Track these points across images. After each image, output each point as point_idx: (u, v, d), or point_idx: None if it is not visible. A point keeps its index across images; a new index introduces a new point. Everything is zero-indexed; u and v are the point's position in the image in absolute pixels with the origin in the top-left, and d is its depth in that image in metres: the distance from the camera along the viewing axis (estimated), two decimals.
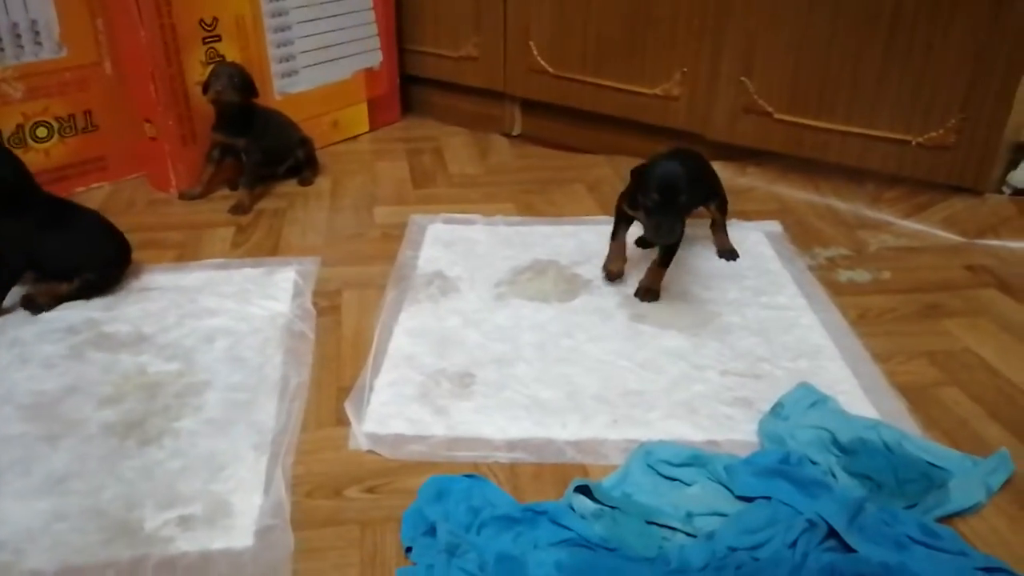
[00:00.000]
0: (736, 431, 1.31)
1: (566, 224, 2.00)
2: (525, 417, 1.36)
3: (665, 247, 1.64)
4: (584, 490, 1.16)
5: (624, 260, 1.74)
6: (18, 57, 2.04)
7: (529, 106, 2.59)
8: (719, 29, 2.11)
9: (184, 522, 1.16)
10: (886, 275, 1.78)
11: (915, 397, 1.39)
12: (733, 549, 1.06)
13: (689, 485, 1.18)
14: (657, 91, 2.28)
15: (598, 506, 1.14)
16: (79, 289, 1.69)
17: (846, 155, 2.06)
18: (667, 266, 1.66)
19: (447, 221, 2.05)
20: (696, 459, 1.21)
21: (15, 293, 1.67)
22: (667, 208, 1.50)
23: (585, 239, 1.90)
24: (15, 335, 1.58)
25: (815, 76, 2.03)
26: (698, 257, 1.83)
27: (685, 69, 2.21)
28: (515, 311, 1.66)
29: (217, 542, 1.13)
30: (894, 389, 1.41)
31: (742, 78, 2.12)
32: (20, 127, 2.09)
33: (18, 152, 1.99)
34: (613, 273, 1.73)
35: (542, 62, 2.45)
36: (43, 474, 1.24)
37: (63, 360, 1.51)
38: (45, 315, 1.64)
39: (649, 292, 1.67)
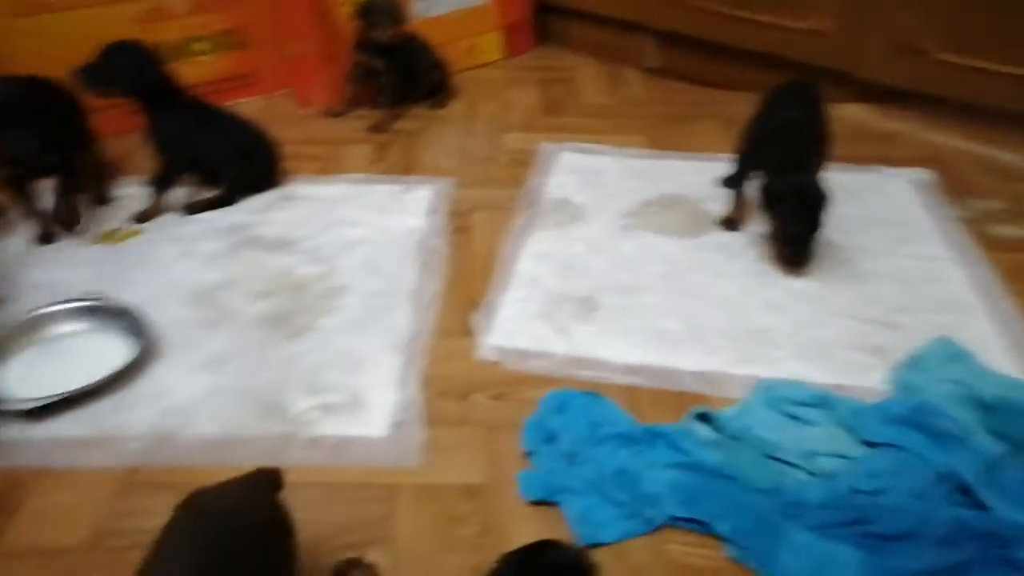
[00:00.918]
0: (865, 378, 1.29)
1: (697, 160, 1.97)
2: (646, 344, 1.39)
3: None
4: (703, 418, 1.18)
5: (745, 207, 1.70)
6: None
7: (665, 38, 2.53)
8: None
9: (326, 408, 1.27)
10: None
11: None
12: (855, 491, 1.06)
13: (811, 425, 1.18)
14: (804, 25, 2.17)
15: (716, 435, 1.16)
16: (231, 190, 1.82)
17: (1016, 101, 1.90)
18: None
19: (577, 150, 2.06)
20: (821, 400, 1.21)
21: (175, 193, 1.81)
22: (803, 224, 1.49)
23: (716, 176, 1.88)
24: (178, 232, 1.73)
25: (983, 11, 1.87)
26: (834, 200, 1.77)
27: (838, 3, 2.09)
28: (641, 242, 1.67)
29: (354, 429, 1.23)
30: None
31: (898, 12, 1.99)
32: (182, 41, 2.22)
33: (178, 64, 2.13)
34: (733, 222, 1.70)
35: None
36: (205, 354, 1.38)
37: (220, 257, 1.64)
38: (203, 216, 1.78)
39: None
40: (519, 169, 1.99)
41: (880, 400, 1.22)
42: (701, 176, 1.89)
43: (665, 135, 2.14)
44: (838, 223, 1.66)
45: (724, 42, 2.35)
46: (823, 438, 1.15)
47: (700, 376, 1.32)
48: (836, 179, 1.77)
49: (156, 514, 1.08)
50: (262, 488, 0.92)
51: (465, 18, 2.56)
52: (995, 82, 1.91)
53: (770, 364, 1.33)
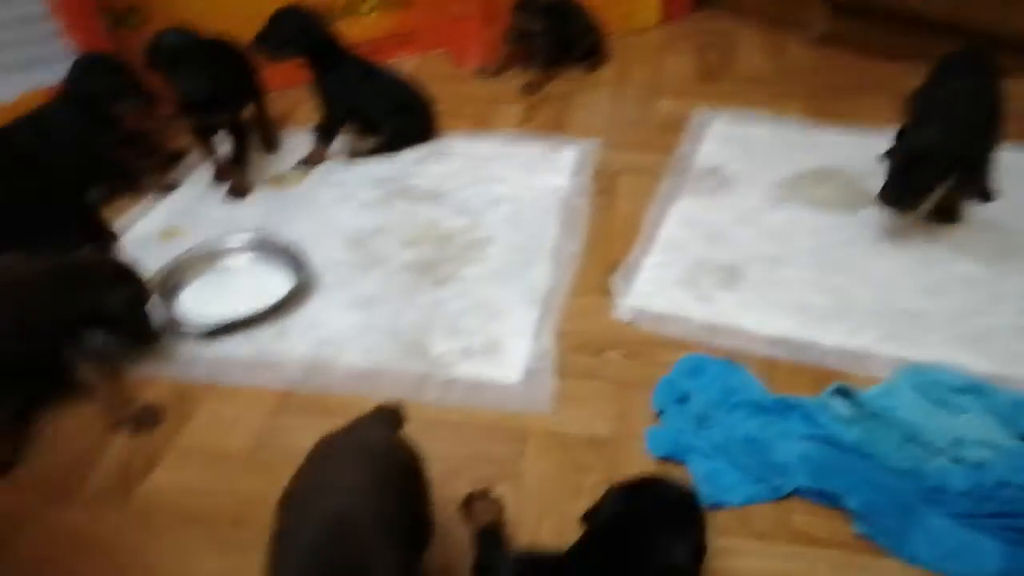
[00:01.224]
0: None
1: (860, 133, 1.87)
2: (789, 317, 1.35)
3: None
4: (843, 394, 1.14)
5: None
6: None
7: (839, 6, 2.40)
8: None
9: (465, 352, 1.33)
10: None
11: None
12: (1004, 484, 1.00)
13: (962, 412, 1.12)
14: None
15: (855, 412, 1.12)
16: (390, 141, 1.91)
17: None
18: (961, 191, 1.51)
19: (731, 118, 2.00)
20: (976, 388, 1.14)
21: (337, 141, 1.92)
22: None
23: (879, 151, 1.77)
24: (339, 178, 1.83)
25: None
26: (1011, 180, 1.64)
27: None
28: (792, 214, 1.62)
29: (490, 373, 1.28)
30: None
31: None
32: (350, 0, 2.33)
33: (345, 22, 2.24)
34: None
35: None
36: (357, 294, 1.47)
37: (375, 204, 1.73)
38: (361, 164, 1.88)
39: (945, 213, 1.54)
40: (669, 135, 1.96)
41: None
42: (862, 150, 1.79)
43: (826, 106, 2.04)
44: (1011, 206, 1.54)
45: (900, 9, 2.20)
46: (974, 427, 1.09)
47: (843, 353, 1.27)
48: (1011, 159, 1.64)
49: (305, 433, 1.18)
50: (387, 425, 0.97)
51: None
52: None
53: (922, 347, 1.26)
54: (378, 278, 1.51)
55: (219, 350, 1.35)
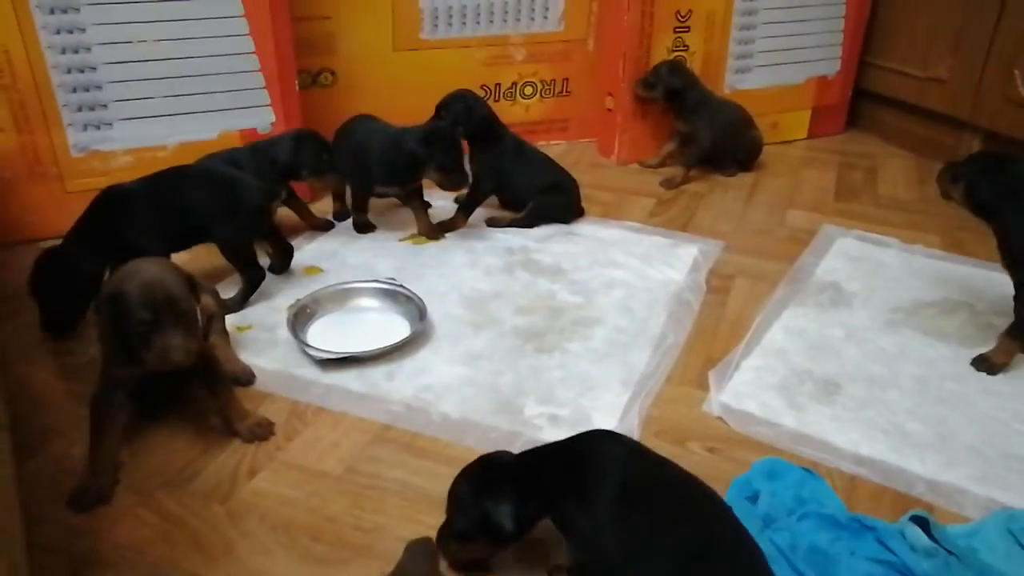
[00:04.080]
0: None
1: (996, 271, 1.81)
2: (882, 440, 1.33)
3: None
4: (922, 524, 1.12)
5: None
6: (528, 27, 2.48)
7: (993, 139, 2.36)
8: None
9: (553, 419, 1.39)
10: None
11: None
12: None
13: None
14: None
15: (933, 545, 1.09)
16: (532, 216, 2.05)
17: None
18: (1013, 339, 1.48)
19: (860, 238, 2.01)
20: None
21: (480, 212, 2.08)
22: None
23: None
24: (471, 244, 1.98)
25: None
26: None
27: None
28: (904, 340, 1.60)
29: None
30: None
31: None
32: (514, 84, 2.54)
33: (506, 104, 2.44)
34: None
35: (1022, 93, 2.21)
36: (465, 349, 1.58)
37: (498, 272, 1.86)
38: (493, 234, 2.02)
39: (984, 362, 1.49)
40: (794, 246, 1.99)
41: None
42: (995, 286, 1.75)
43: (964, 240, 2.00)
44: None
45: None
46: None
47: (934, 485, 1.24)
48: None
49: (394, 466, 1.29)
50: (425, 560, 1.05)
51: (777, 94, 2.61)
52: None
53: (1021, 494, 1.21)
54: (487, 338, 1.61)
55: (334, 379, 1.49)
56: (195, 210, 1.63)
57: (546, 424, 1.38)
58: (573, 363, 1.54)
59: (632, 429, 1.37)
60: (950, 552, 1.08)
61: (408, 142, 1.88)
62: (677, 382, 1.50)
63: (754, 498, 1.18)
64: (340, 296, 1.70)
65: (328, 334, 1.60)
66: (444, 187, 1.93)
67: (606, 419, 1.39)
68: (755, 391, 1.46)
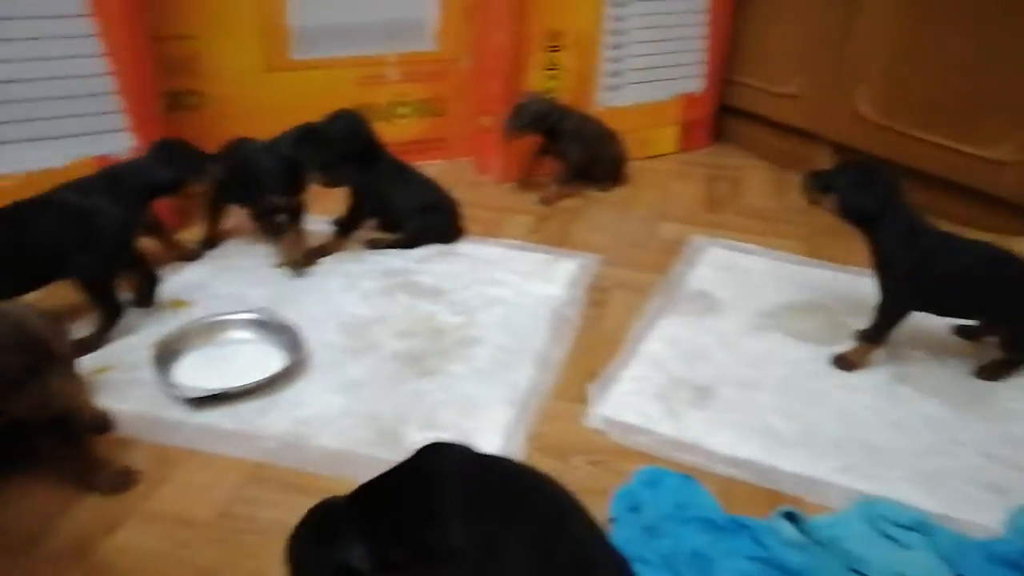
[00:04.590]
0: (979, 514, 1.22)
1: (849, 273, 1.94)
2: (754, 440, 1.39)
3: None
4: (791, 518, 1.17)
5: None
6: (401, 47, 2.46)
7: (842, 151, 2.52)
8: None
9: None
10: None
11: None
12: None
13: (906, 548, 1.13)
14: (988, 154, 2.10)
15: (803, 537, 1.14)
16: (412, 238, 2.03)
17: None
18: (870, 340, 1.58)
19: (728, 247, 2.09)
20: (922, 526, 1.16)
21: (358, 235, 2.04)
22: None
23: (865, 291, 1.83)
24: (349, 268, 1.94)
25: None
26: None
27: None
28: (771, 343, 1.67)
29: None
30: None
31: None
32: (389, 103, 2.51)
33: (381, 124, 2.40)
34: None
35: (866, 109, 2.38)
36: (344, 378, 1.54)
37: (377, 295, 1.82)
38: (372, 256, 1.99)
39: (842, 361, 1.59)
40: (667, 257, 2.05)
41: (988, 538, 1.14)
42: (848, 289, 1.86)
43: (823, 245, 2.12)
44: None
45: (901, 163, 2.31)
46: (915, 563, 1.10)
47: (801, 480, 1.30)
48: None
49: (270, 507, 1.24)
50: None
51: (647, 111, 2.70)
52: None
53: (879, 482, 1.28)
54: (367, 364, 1.58)
55: (204, 419, 1.41)
56: (47, 244, 1.52)
57: None
58: (456, 385, 1.53)
59: (517, 448, 1.37)
60: (818, 543, 1.13)
61: (282, 148, 1.82)
62: (560, 397, 1.51)
63: (637, 508, 1.20)
64: (209, 329, 1.62)
65: (197, 371, 1.52)
66: (327, 185, 1.87)
67: (491, 439, 1.38)
68: (634, 401, 1.48)
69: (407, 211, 2.05)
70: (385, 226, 2.11)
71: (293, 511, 1.20)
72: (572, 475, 1.32)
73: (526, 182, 2.48)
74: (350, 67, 2.41)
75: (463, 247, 2.06)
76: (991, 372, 1.55)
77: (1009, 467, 1.32)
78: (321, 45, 2.35)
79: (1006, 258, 1.49)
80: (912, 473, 1.31)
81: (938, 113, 2.20)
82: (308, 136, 1.83)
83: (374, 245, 2.04)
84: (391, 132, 2.46)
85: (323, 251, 1.99)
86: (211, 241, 2.02)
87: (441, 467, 0.98)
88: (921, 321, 1.59)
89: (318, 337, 1.63)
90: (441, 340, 1.66)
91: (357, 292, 1.83)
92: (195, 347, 1.58)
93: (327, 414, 1.43)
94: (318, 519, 0.99)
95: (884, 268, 1.54)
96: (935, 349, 1.64)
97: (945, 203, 2.20)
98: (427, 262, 1.98)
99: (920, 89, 2.23)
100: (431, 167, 2.53)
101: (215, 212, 2.02)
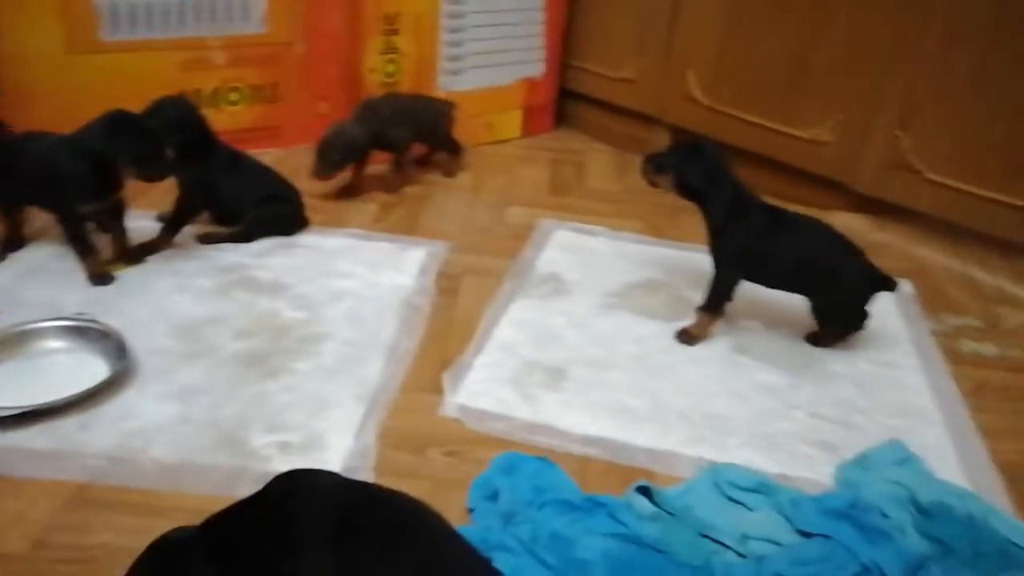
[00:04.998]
0: (812, 471, 1.31)
1: (688, 250, 2.02)
2: (607, 418, 1.41)
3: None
4: (645, 492, 1.19)
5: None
6: (227, 29, 2.31)
7: (678, 133, 2.63)
8: (882, 81, 2.08)
9: (283, 447, 1.30)
10: (1015, 353, 1.69)
11: (1016, 478, 1.33)
12: None
13: (751, 510, 1.19)
14: (807, 135, 2.26)
15: (656, 509, 1.17)
16: (250, 229, 1.92)
17: (998, 226, 1.96)
18: (708, 312, 1.65)
19: (574, 229, 2.12)
20: (763, 487, 1.22)
21: (187, 231, 1.90)
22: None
23: (705, 267, 1.92)
24: (179, 267, 1.80)
25: (976, 140, 1.95)
26: None
27: (840, 116, 2.18)
28: (619, 321, 1.71)
29: None
30: (994, 466, 1.35)
31: (897, 132, 2.07)
32: (217, 90, 2.36)
33: (210, 112, 2.25)
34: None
35: (697, 92, 2.48)
36: (178, 384, 1.42)
37: (213, 294, 1.70)
38: (205, 252, 1.86)
39: (684, 335, 1.66)
40: (516, 242, 2.05)
41: (820, 493, 1.22)
42: (687, 265, 1.94)
43: (662, 223, 2.20)
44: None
45: (730, 143, 2.43)
46: (759, 523, 1.16)
47: (653, 453, 1.33)
48: None
49: (98, 531, 1.12)
50: None
51: (490, 95, 2.69)
52: (980, 205, 1.98)
53: (722, 449, 1.34)
54: (204, 368, 1.47)
55: (13, 440, 1.26)
56: None
57: (276, 453, 1.29)
58: (302, 384, 1.45)
59: (369, 445, 1.32)
60: (670, 514, 1.17)
61: (90, 142, 1.62)
62: (412, 389, 1.47)
63: (495, 496, 1.19)
64: (17, 340, 1.45)
65: (5, 387, 1.36)
66: (146, 179, 1.70)
67: (341, 438, 1.32)
68: (488, 387, 1.47)
69: (243, 203, 1.93)
70: (219, 219, 1.97)
71: (126, 533, 1.11)
72: (429, 468, 1.29)
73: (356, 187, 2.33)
74: (171, 50, 2.24)
75: (305, 239, 1.97)
76: (816, 339, 1.66)
77: (837, 425, 1.42)
78: (137, 25, 2.16)
79: (821, 234, 1.59)
80: (752, 438, 1.37)
81: (762, 96, 2.33)
82: (121, 125, 1.63)
83: (207, 240, 1.91)
84: (222, 120, 2.31)
85: (150, 249, 1.84)
86: (13, 242, 1.81)
87: (304, 495, 0.90)
88: (756, 292, 1.67)
89: (147, 343, 1.50)
90: (284, 338, 1.58)
91: (190, 292, 1.70)
92: (1, 361, 1.41)
93: (160, 424, 1.32)
94: (163, 552, 0.89)
95: (714, 240, 1.62)
96: (770, 319, 1.73)
97: (771, 181, 2.33)
98: (266, 256, 1.87)
99: (744, 74, 2.36)
100: (268, 156, 2.41)
101: (10, 209, 1.80)
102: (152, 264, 1.80)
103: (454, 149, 2.45)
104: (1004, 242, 1.98)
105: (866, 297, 1.60)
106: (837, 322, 1.64)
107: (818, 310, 1.62)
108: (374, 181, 2.30)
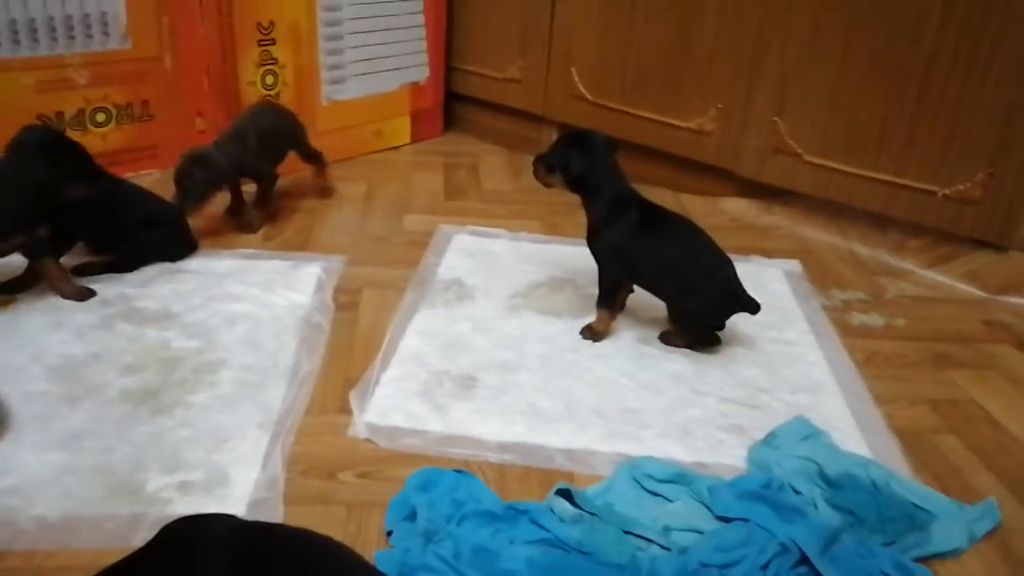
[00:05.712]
0: (726, 455, 1.33)
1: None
2: (521, 422, 1.39)
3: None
4: (566, 495, 1.18)
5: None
6: (86, 46, 2.17)
7: (565, 130, 2.65)
8: (755, 69, 2.16)
9: (184, 487, 1.22)
10: (900, 322, 1.79)
11: (911, 441, 1.39)
12: (705, 565, 1.07)
13: (671, 501, 1.20)
14: (691, 125, 2.32)
15: (578, 511, 1.16)
16: (131, 257, 1.81)
17: (872, 201, 2.07)
18: (603, 308, 1.65)
19: (473, 233, 2.10)
20: (680, 477, 1.23)
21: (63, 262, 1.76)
22: None
23: None
24: (54, 302, 1.67)
25: (846, 121, 2.05)
26: None
27: (720, 105, 2.25)
28: (525, 323, 1.70)
29: (211, 508, 1.17)
30: (891, 431, 1.41)
31: (774, 118, 2.16)
32: (81, 111, 2.21)
33: (77, 134, 2.11)
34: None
35: (582, 89, 2.51)
36: (60, 430, 1.31)
37: (93, 329, 1.59)
38: (84, 284, 1.73)
39: (588, 331, 1.66)
40: (414, 250, 2.01)
41: (735, 476, 1.25)
42: (588, 261, 1.93)
43: (559, 221, 2.21)
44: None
45: (620, 137, 2.46)
46: (679, 513, 1.17)
47: (569, 453, 1.33)
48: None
49: None
50: None
51: (376, 103, 2.63)
52: (854, 183, 2.08)
53: (638, 442, 1.35)
54: (88, 410, 1.36)
55: None
56: None
57: (176, 495, 1.20)
58: (200, 417, 1.37)
59: (277, 475, 1.25)
60: (592, 514, 1.16)
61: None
62: (318, 412, 1.41)
63: (413, 515, 1.15)
64: None
65: None
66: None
67: (246, 471, 1.25)
68: (398, 403, 1.43)
69: (123, 229, 1.81)
70: (95, 248, 1.84)
71: None
72: (342, 492, 1.24)
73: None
74: (22, 70, 2.08)
75: (191, 263, 1.87)
76: (667, 339, 1.64)
77: (745, 407, 1.46)
78: None
79: (691, 241, 1.58)
80: (667, 428, 1.39)
81: (645, 89, 2.38)
82: (60, 146, 1.56)
83: (83, 272, 1.78)
84: (92, 142, 2.17)
85: (17, 285, 1.69)
86: None
87: (203, 540, 0.85)
88: None
89: (21, 388, 1.39)
90: (177, 369, 1.49)
91: (67, 328, 1.58)
92: None
93: (42, 477, 1.21)
94: None
95: (590, 236, 1.63)
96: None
97: (662, 171, 2.39)
98: (150, 284, 1.76)
99: (626, 68, 2.40)
100: (147, 178, 2.29)
101: None
102: (22, 301, 1.67)
103: (317, 159, 2.28)
104: (879, 216, 2.09)
105: (722, 317, 1.60)
106: (689, 331, 1.62)
107: (674, 312, 1.63)
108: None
